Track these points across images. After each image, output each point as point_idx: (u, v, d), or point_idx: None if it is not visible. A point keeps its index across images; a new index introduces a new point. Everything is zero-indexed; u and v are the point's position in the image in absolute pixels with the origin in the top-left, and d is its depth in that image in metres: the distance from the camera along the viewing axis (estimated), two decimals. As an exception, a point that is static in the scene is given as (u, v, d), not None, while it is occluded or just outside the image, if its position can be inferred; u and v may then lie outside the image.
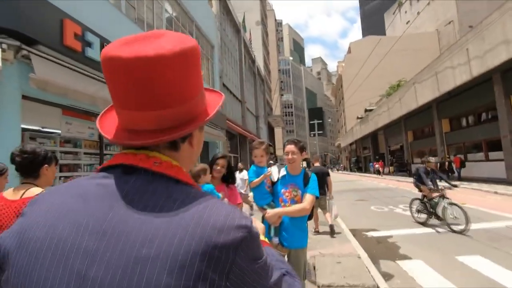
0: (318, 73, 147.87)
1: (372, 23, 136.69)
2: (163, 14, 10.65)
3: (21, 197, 1.64)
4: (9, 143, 4.90)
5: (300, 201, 2.41)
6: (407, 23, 51.34)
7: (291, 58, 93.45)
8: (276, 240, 2.33)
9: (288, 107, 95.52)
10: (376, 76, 41.93)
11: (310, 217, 2.54)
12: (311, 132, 12.07)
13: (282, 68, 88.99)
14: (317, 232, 6.30)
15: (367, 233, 6.54)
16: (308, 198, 2.38)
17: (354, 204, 11.24)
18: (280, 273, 0.56)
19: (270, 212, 2.31)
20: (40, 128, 6.11)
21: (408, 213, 7.82)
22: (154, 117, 0.53)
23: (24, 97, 5.38)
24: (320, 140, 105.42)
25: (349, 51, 58.07)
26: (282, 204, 2.42)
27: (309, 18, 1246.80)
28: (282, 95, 75.02)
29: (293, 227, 2.39)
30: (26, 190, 1.66)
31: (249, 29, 33.44)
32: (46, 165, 1.79)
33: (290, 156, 2.46)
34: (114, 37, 7.20)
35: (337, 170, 60.41)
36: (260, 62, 37.98)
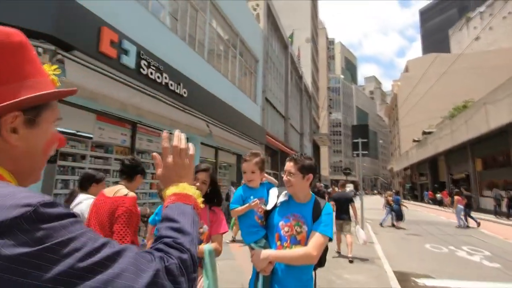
0: (371, 92, 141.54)
1: (434, 40, 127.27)
2: (206, 26, 10.79)
3: (113, 195, 2.02)
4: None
5: (305, 241, 1.69)
6: (476, 39, 46.37)
7: (342, 76, 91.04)
8: None
9: (337, 126, 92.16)
10: (436, 96, 38.09)
11: (319, 264, 1.79)
12: (354, 152, 10.62)
13: (332, 86, 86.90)
14: (338, 253, 6.36)
15: (417, 280, 5.27)
16: (317, 240, 1.65)
17: (404, 239, 9.63)
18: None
19: (258, 253, 1.63)
20: (75, 132, 6.26)
21: (476, 258, 6.24)
22: None
23: (60, 101, 5.52)
24: (370, 163, 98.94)
25: (406, 70, 54.37)
26: (278, 243, 1.73)
27: (363, 37, 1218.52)
28: (330, 113, 72.79)
29: (291, 279, 1.66)
30: (118, 190, 2.06)
31: (298, 46, 33.26)
32: (140, 175, 2.26)
33: (285, 177, 1.80)
34: (153, 46, 7.30)
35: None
36: (308, 79, 37.35)
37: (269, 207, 1.84)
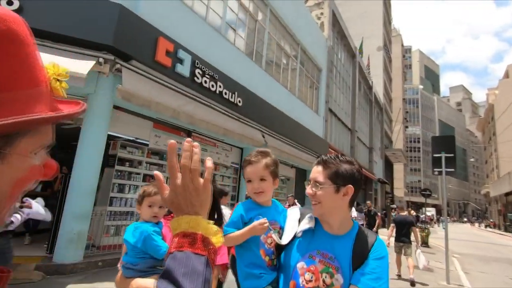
0: (459, 103, 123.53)
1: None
2: (265, 35, 10.64)
3: None
4: (98, 146, 5.28)
5: None
6: None
7: (421, 86, 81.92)
8: None
9: (414, 142, 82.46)
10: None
11: None
12: (435, 169, 8.52)
13: (408, 98, 78.84)
14: (398, 276, 6.44)
15: None
16: None
17: (509, 284, 7.41)
18: None
19: None
20: (134, 139, 6.56)
21: None
22: None
23: (119, 108, 5.84)
24: (457, 185, 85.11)
25: (506, 75, 45.80)
26: None
27: (446, 43, 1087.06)
28: (406, 127, 65.80)
29: None
30: None
31: (368, 54, 31.09)
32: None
33: (309, 189, 1.15)
34: (209, 55, 7.35)
35: (483, 226, 46.67)
36: (379, 89, 34.43)
37: (285, 240, 1.21)
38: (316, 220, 1.21)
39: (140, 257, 1.28)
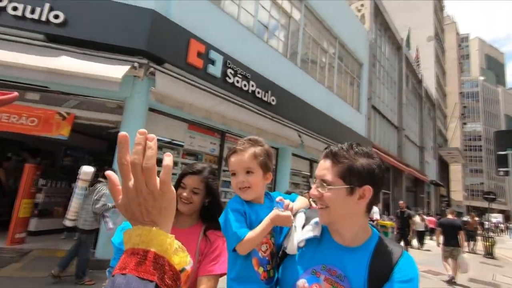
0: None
1: None
2: (300, 31, 10.29)
3: None
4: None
5: None
6: None
7: (481, 78, 73.42)
8: None
9: (474, 140, 74.05)
10: None
11: None
12: (500, 169, 7.25)
13: (466, 91, 71.22)
14: (451, 278, 6.44)
15: None
16: None
17: None
18: None
19: None
20: (170, 140, 6.75)
21: None
22: None
23: (155, 110, 6.03)
24: (530, 188, 74.16)
25: None
26: None
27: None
28: (464, 123, 59.46)
29: None
30: None
31: (416, 46, 28.70)
32: None
33: (314, 190, 0.91)
34: (240, 55, 7.30)
35: None
36: (430, 83, 31.55)
37: (290, 249, 0.97)
38: (323, 228, 0.97)
39: (126, 262, 1.16)
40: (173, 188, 0.48)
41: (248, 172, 1.07)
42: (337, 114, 11.44)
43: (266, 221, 0.98)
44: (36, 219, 6.20)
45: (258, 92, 7.69)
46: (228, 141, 7.78)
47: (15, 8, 4.93)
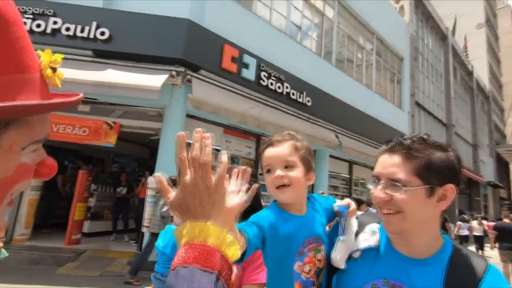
0: None
1: None
2: (334, 28, 9.97)
3: None
4: (174, 153, 5.69)
5: None
6: None
7: (544, 65, 64.98)
8: None
9: (539, 135, 65.69)
10: None
11: None
12: None
13: (526, 81, 63.69)
14: None
15: None
16: None
17: None
18: None
19: None
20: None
21: None
22: None
23: (192, 116, 6.20)
24: None
25: None
26: None
27: None
28: (526, 117, 53.11)
29: None
30: None
31: (464, 35, 26.35)
32: None
33: (380, 193, 0.74)
34: (274, 57, 7.26)
35: None
36: (482, 74, 28.71)
37: (342, 262, 0.84)
38: (382, 235, 0.85)
39: (168, 266, 1.14)
40: (226, 184, 0.52)
41: (287, 167, 0.88)
42: (377, 112, 10.85)
43: None
44: (89, 222, 6.70)
45: (293, 94, 7.56)
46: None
47: (68, 29, 5.41)
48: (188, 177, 0.50)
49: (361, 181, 11.42)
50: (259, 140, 7.62)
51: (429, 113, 16.74)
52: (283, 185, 0.88)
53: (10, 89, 0.38)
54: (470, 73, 23.82)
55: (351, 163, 10.50)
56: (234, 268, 1.18)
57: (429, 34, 18.20)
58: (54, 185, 6.89)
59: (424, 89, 16.48)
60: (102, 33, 5.42)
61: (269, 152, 0.92)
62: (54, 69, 0.46)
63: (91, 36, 5.40)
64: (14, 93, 0.38)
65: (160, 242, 1.18)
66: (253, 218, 0.87)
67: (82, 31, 5.40)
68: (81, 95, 0.46)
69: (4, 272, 4.23)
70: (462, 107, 22.11)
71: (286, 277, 0.86)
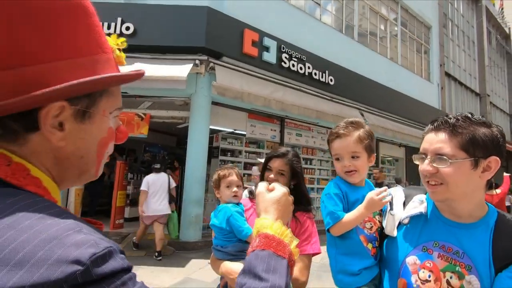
0: None
1: None
2: (355, 2, 9.55)
3: None
4: (203, 140, 5.92)
5: None
6: None
7: None
8: None
9: None
10: None
11: None
12: None
13: None
14: None
15: None
16: None
17: None
18: None
19: None
20: (233, 130, 7.07)
21: None
22: None
23: (217, 103, 6.35)
24: None
25: None
26: None
27: None
28: None
29: None
30: None
31: (500, -6, 24.02)
32: None
33: (428, 167, 0.84)
34: (294, 38, 7.19)
35: None
36: (521, 37, 26.29)
37: (390, 229, 0.97)
38: (429, 203, 0.94)
39: (227, 239, 1.29)
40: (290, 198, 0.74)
41: (353, 156, 1.08)
42: (403, 86, 10.44)
43: (361, 208, 0.99)
44: (129, 208, 7.20)
45: (315, 74, 7.46)
46: (288, 126, 7.80)
47: (95, 27, 5.64)
48: (281, 193, 0.72)
49: (388, 158, 11.21)
50: (283, 122, 7.67)
51: (461, 83, 15.79)
52: (351, 172, 1.09)
53: (101, 65, 0.48)
54: (507, 37, 21.94)
55: (377, 141, 10.30)
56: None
57: (460, -3, 16.85)
58: (101, 175, 7.42)
59: (454, 59, 15.48)
60: (127, 28, 5.61)
61: (337, 143, 1.11)
62: (120, 50, 0.56)
63: (117, 31, 5.60)
64: (103, 68, 0.48)
65: (215, 220, 1.34)
66: (335, 190, 1.08)
67: (108, 27, 5.61)
68: (143, 70, 0.55)
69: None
70: (498, 75, 20.58)
71: (351, 230, 1.03)
